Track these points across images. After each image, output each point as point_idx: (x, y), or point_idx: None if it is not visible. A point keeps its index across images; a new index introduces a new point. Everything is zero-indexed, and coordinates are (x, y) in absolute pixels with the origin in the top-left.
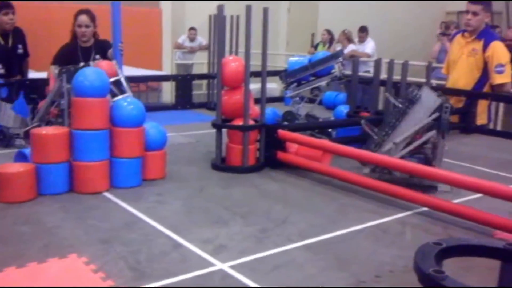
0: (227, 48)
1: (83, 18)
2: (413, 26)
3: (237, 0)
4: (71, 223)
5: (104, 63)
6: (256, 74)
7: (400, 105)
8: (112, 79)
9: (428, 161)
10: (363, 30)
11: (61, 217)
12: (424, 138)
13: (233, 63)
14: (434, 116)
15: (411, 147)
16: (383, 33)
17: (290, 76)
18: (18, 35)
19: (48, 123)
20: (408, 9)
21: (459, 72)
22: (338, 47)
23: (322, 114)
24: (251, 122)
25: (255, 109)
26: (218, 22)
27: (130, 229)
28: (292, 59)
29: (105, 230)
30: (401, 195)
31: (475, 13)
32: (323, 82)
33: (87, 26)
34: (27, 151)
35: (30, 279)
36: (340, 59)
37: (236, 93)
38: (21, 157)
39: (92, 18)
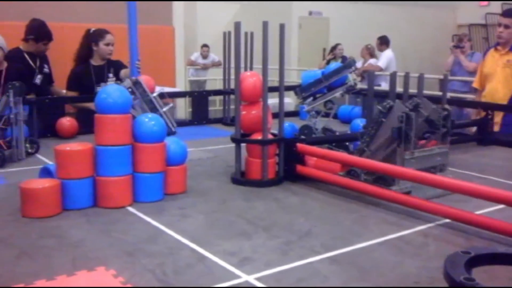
0: (242, 64)
1: (111, 37)
2: (425, 39)
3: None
4: (96, 236)
5: (144, 77)
6: (272, 89)
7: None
8: (155, 94)
9: None
10: (381, 41)
11: (86, 230)
12: (393, 146)
13: (251, 78)
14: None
15: (383, 154)
16: (394, 46)
17: (305, 90)
18: (45, 58)
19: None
20: (419, 23)
21: (496, 84)
22: (359, 62)
23: (338, 128)
24: (270, 136)
25: (273, 123)
26: (235, 38)
27: (154, 242)
28: (305, 72)
29: (130, 243)
30: (422, 207)
31: (507, 26)
32: (337, 93)
33: (113, 45)
34: (52, 167)
35: None
36: (353, 68)
37: (254, 108)
38: (45, 173)
39: None
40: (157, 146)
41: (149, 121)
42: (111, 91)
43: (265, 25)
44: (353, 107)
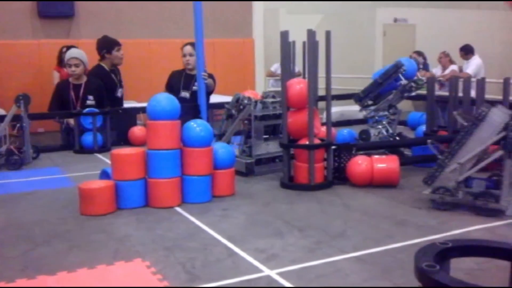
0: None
1: (188, 48)
2: None
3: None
4: (141, 233)
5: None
6: (337, 97)
7: (466, 124)
8: None
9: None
10: (465, 51)
11: (134, 227)
12: (490, 158)
13: (297, 85)
14: (500, 135)
15: (477, 167)
16: (483, 53)
17: (363, 96)
18: (118, 71)
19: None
20: (510, 27)
21: None
22: (434, 69)
23: (407, 135)
24: (317, 141)
25: (321, 129)
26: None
27: (192, 239)
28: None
29: (170, 239)
30: None
31: None
32: (390, 96)
33: (190, 55)
34: (109, 169)
35: (98, 278)
36: (403, 68)
37: (302, 114)
38: (104, 175)
39: None
40: (204, 150)
41: (196, 126)
42: (160, 99)
43: (310, 33)
44: (422, 114)
